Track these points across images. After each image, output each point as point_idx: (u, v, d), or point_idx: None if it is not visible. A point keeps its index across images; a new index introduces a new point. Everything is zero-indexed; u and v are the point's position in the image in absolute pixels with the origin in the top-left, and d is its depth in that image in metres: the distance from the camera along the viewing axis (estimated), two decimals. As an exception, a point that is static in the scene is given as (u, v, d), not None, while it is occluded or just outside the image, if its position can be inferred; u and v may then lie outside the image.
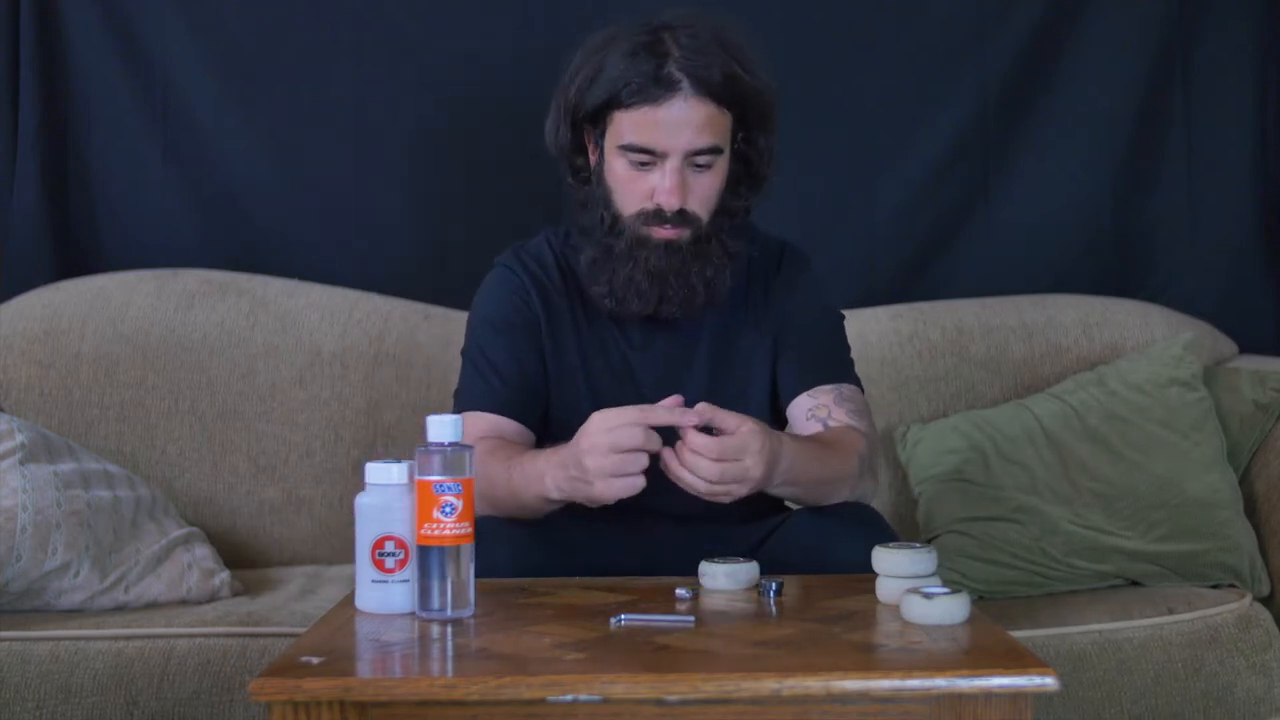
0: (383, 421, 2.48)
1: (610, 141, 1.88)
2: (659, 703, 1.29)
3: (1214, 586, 2.20)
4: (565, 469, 1.68)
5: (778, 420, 1.96)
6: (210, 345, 2.48)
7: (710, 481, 1.63)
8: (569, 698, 1.27)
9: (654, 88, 1.82)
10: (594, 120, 1.89)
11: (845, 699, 1.29)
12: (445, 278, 2.66)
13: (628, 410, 1.64)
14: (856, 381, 1.98)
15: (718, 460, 1.63)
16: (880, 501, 2.45)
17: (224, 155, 2.70)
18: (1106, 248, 2.79)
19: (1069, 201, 2.77)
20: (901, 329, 2.57)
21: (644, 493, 1.74)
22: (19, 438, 2.10)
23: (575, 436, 1.67)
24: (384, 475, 1.56)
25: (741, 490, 1.65)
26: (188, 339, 2.48)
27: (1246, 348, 2.67)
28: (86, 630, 1.98)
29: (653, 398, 1.92)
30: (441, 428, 1.52)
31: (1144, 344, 2.52)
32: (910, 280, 2.76)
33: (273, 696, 1.29)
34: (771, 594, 1.59)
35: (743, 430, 1.63)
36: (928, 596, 1.47)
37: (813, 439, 1.84)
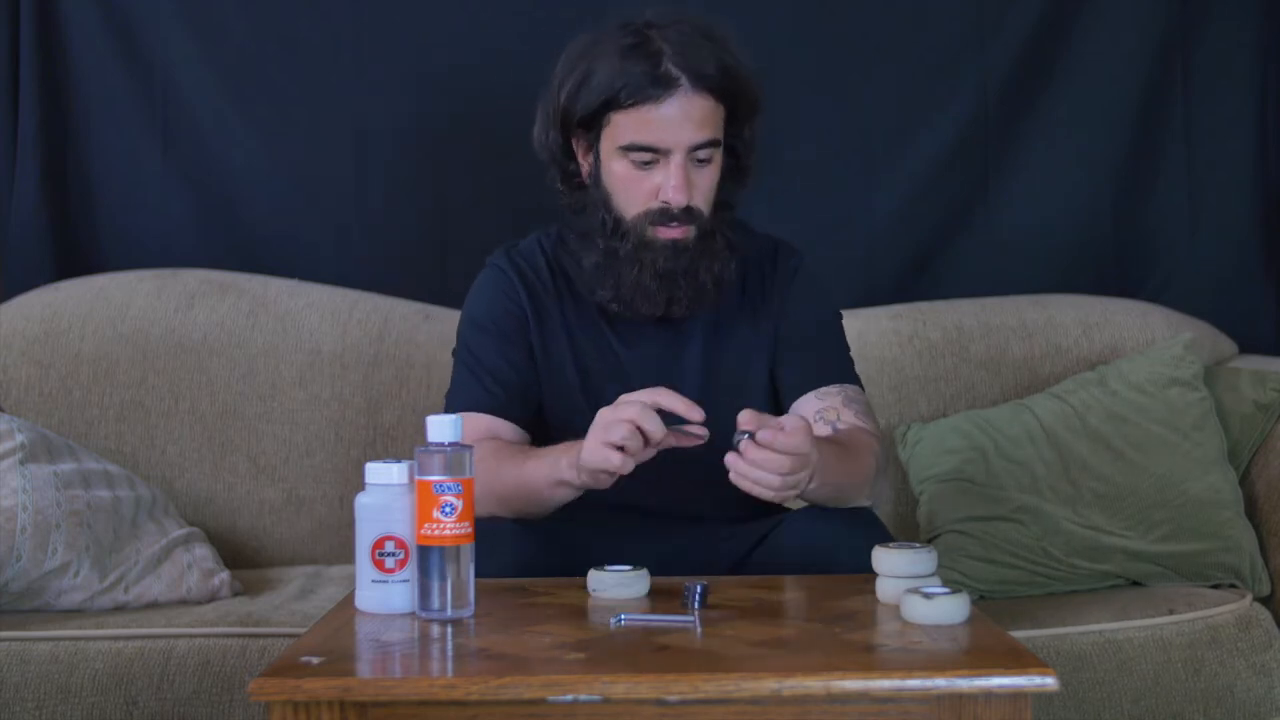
0: (383, 421, 2.48)
1: (608, 144, 1.87)
2: (659, 703, 1.29)
3: (1214, 586, 2.20)
4: (578, 443, 1.69)
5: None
6: (210, 345, 2.48)
7: (784, 475, 1.60)
8: (569, 698, 1.27)
9: (653, 86, 1.81)
10: (587, 124, 1.88)
11: (845, 699, 1.29)
12: (445, 278, 2.67)
13: (662, 392, 1.64)
14: (858, 381, 1.98)
15: (789, 454, 1.60)
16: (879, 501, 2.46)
17: (224, 155, 2.70)
18: (1106, 248, 2.79)
19: (1069, 201, 2.77)
20: (901, 329, 2.57)
21: (643, 493, 1.73)
22: (19, 438, 2.10)
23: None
24: (384, 475, 1.56)
25: (804, 476, 1.63)
26: (188, 339, 2.48)
27: (1246, 348, 2.67)
28: (86, 630, 1.98)
29: None
30: (441, 428, 1.52)
31: (1144, 344, 2.52)
32: (910, 280, 2.76)
33: (273, 696, 1.29)
34: (696, 598, 1.54)
35: (796, 425, 1.61)
36: (928, 596, 1.47)
37: (831, 440, 1.83)
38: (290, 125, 2.71)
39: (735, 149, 1.93)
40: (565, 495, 1.76)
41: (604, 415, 1.65)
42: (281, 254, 2.69)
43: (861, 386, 1.98)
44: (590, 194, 1.92)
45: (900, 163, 2.77)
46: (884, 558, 1.57)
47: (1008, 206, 2.77)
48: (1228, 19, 2.76)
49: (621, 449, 1.63)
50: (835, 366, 1.96)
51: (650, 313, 1.90)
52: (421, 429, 1.54)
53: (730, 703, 1.29)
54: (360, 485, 1.58)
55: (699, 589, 1.55)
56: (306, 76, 2.71)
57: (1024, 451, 2.34)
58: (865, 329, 2.54)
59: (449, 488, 1.50)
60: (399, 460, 1.57)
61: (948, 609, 1.46)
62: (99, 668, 1.94)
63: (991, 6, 2.75)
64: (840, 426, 1.88)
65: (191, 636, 1.98)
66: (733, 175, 1.95)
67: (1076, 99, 2.76)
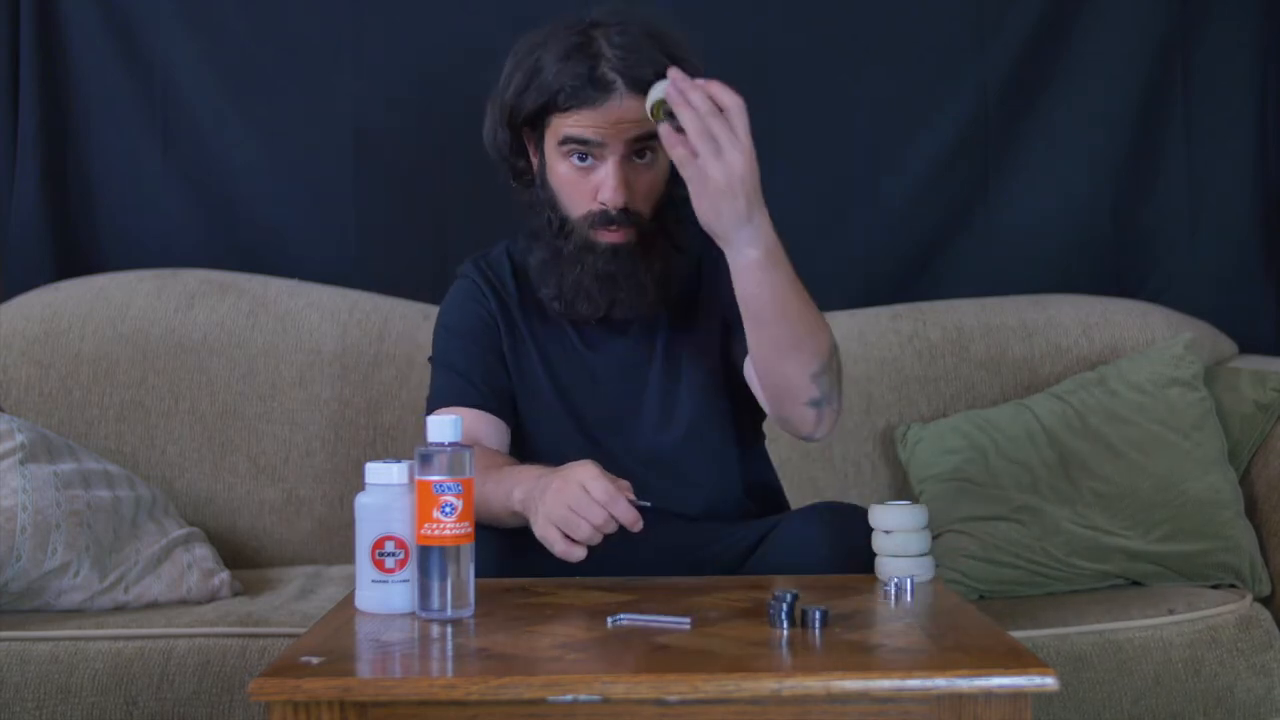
0: (383, 421, 2.48)
1: (550, 143, 1.86)
2: (659, 703, 1.28)
3: (1214, 586, 2.20)
4: (535, 484, 1.67)
5: (741, 415, 1.94)
6: (210, 345, 2.48)
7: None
8: (569, 698, 1.27)
9: (589, 90, 1.80)
10: (532, 124, 1.88)
11: (845, 699, 1.29)
12: (445, 278, 2.64)
13: (608, 489, 1.61)
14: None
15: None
16: (880, 501, 2.45)
17: (224, 155, 2.71)
18: (1106, 248, 2.79)
19: (1069, 202, 2.78)
20: (901, 329, 2.57)
21: (642, 493, 1.73)
22: (19, 438, 2.09)
23: (564, 467, 1.65)
24: (384, 475, 1.56)
25: (733, 151, 1.58)
26: (188, 339, 2.48)
27: (1246, 348, 2.67)
28: (86, 630, 1.98)
29: (614, 397, 1.91)
30: (441, 428, 1.52)
31: (1144, 344, 2.52)
32: (910, 280, 2.76)
33: (272, 696, 1.29)
34: (784, 614, 1.47)
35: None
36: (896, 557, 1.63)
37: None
38: (290, 125, 2.71)
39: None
40: (521, 523, 1.72)
41: (570, 496, 1.61)
42: (281, 254, 2.70)
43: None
44: (538, 193, 1.91)
45: (900, 163, 2.77)
46: (876, 513, 1.69)
47: (1008, 206, 2.78)
48: (1228, 19, 2.76)
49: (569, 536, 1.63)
50: None
51: (590, 314, 1.88)
52: (421, 429, 1.54)
53: (730, 703, 1.29)
54: (360, 485, 1.58)
55: (789, 598, 1.45)
56: (306, 76, 2.71)
57: (1024, 451, 2.34)
58: (865, 329, 2.54)
59: (449, 488, 1.50)
60: (399, 460, 1.57)
61: (911, 564, 1.62)
62: (99, 668, 1.94)
63: (991, 6, 2.75)
64: None
65: (191, 636, 1.98)
66: None
67: (1076, 99, 2.76)
